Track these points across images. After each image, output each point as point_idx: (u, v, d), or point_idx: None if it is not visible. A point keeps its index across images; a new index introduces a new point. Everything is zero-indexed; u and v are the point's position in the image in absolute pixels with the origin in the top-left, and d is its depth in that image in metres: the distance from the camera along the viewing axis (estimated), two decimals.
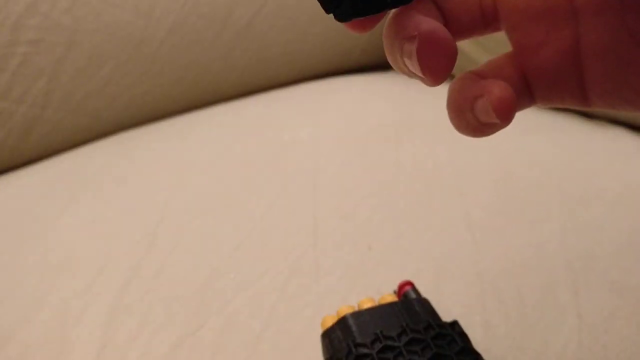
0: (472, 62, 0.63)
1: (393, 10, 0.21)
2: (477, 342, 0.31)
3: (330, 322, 0.31)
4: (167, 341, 0.35)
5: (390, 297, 0.32)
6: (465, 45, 0.71)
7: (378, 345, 0.28)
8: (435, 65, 0.19)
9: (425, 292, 0.33)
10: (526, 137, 0.50)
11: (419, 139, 0.52)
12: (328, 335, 0.31)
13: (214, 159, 0.53)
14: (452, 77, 0.22)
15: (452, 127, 0.22)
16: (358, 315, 0.30)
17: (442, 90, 0.22)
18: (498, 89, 0.20)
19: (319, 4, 0.20)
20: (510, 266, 0.37)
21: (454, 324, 0.30)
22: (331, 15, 0.20)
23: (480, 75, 0.22)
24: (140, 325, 0.36)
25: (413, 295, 0.33)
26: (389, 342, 0.29)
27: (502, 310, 0.34)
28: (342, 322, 0.30)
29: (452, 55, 0.19)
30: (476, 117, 0.21)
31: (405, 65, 0.20)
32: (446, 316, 0.32)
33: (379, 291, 0.34)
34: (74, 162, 0.58)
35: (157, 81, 0.64)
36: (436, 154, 0.49)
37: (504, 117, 0.20)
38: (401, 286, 0.33)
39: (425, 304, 0.32)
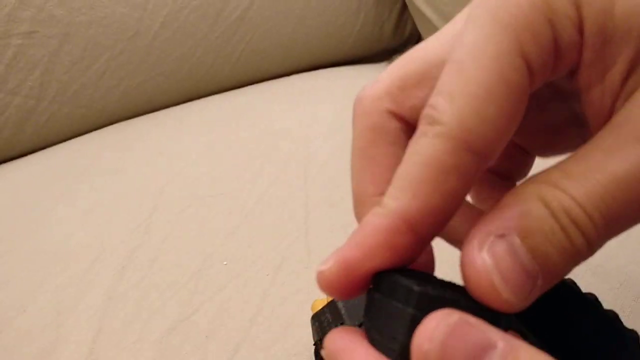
0: (434, 29, 0.64)
1: None
2: None
3: (320, 306, 0.32)
4: (162, 326, 0.35)
5: None
6: (427, 12, 0.72)
7: None
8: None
9: None
10: None
11: None
12: (318, 318, 0.31)
13: (207, 149, 0.53)
14: None
15: None
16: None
17: None
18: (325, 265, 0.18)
19: None
20: None
21: None
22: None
23: None
24: (135, 311, 0.37)
25: None
26: None
27: None
28: (331, 305, 0.31)
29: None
30: None
31: None
32: None
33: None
34: (69, 153, 0.58)
35: (151, 73, 0.64)
36: None
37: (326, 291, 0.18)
38: None
39: None
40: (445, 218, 0.18)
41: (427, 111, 0.18)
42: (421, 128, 0.18)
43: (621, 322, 0.25)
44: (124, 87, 0.63)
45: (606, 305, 0.25)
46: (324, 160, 0.49)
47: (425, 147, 0.17)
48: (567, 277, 0.25)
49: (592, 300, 0.26)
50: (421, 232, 0.17)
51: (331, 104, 0.59)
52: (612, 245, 0.38)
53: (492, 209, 0.18)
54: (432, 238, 0.18)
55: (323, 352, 0.19)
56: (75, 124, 0.61)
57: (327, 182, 0.46)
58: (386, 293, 0.17)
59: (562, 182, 0.17)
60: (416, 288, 0.16)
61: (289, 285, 0.37)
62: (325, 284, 0.18)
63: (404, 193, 0.17)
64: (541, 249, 0.17)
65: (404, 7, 0.79)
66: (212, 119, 0.60)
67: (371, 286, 0.18)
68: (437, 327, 0.16)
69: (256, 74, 0.70)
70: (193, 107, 0.64)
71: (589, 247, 0.17)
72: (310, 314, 0.32)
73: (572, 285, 0.26)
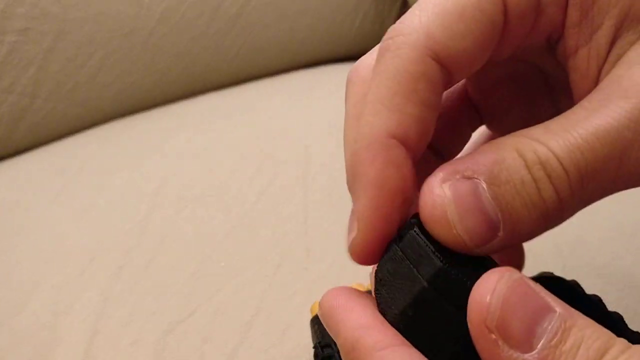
0: None
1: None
2: None
3: None
4: (158, 328, 0.35)
5: None
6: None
7: None
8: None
9: None
10: None
11: None
12: (317, 321, 0.31)
13: (205, 148, 0.53)
14: None
15: None
16: None
17: None
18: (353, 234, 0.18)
19: None
20: None
21: None
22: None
23: None
24: (132, 312, 0.37)
25: None
26: None
27: None
28: None
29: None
30: None
31: None
32: None
33: (368, 277, 0.34)
34: (65, 152, 0.58)
35: (148, 70, 0.64)
36: None
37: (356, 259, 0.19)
38: None
39: None
40: (427, 127, 0.17)
41: (391, 27, 0.18)
42: (383, 45, 0.17)
43: (625, 324, 0.25)
44: (119, 85, 0.62)
45: (610, 307, 0.25)
46: (324, 159, 0.49)
47: (389, 60, 0.17)
48: (570, 278, 0.25)
49: (596, 302, 0.26)
50: (410, 144, 0.17)
51: (330, 101, 0.59)
52: (617, 247, 0.38)
53: (467, 154, 0.17)
54: (423, 149, 0.18)
55: (319, 312, 0.19)
56: (71, 122, 0.61)
57: (326, 181, 0.46)
58: (406, 251, 0.17)
59: (542, 136, 0.16)
60: (439, 264, 0.16)
61: (288, 287, 0.37)
62: (359, 250, 0.18)
63: (378, 114, 0.17)
64: (507, 199, 0.16)
65: (405, 3, 0.79)
66: (210, 117, 0.60)
67: (395, 235, 0.18)
68: (500, 281, 0.15)
69: (254, 71, 0.70)
70: (190, 104, 0.64)
71: (560, 205, 0.16)
72: (310, 316, 0.32)
73: (576, 287, 0.26)
